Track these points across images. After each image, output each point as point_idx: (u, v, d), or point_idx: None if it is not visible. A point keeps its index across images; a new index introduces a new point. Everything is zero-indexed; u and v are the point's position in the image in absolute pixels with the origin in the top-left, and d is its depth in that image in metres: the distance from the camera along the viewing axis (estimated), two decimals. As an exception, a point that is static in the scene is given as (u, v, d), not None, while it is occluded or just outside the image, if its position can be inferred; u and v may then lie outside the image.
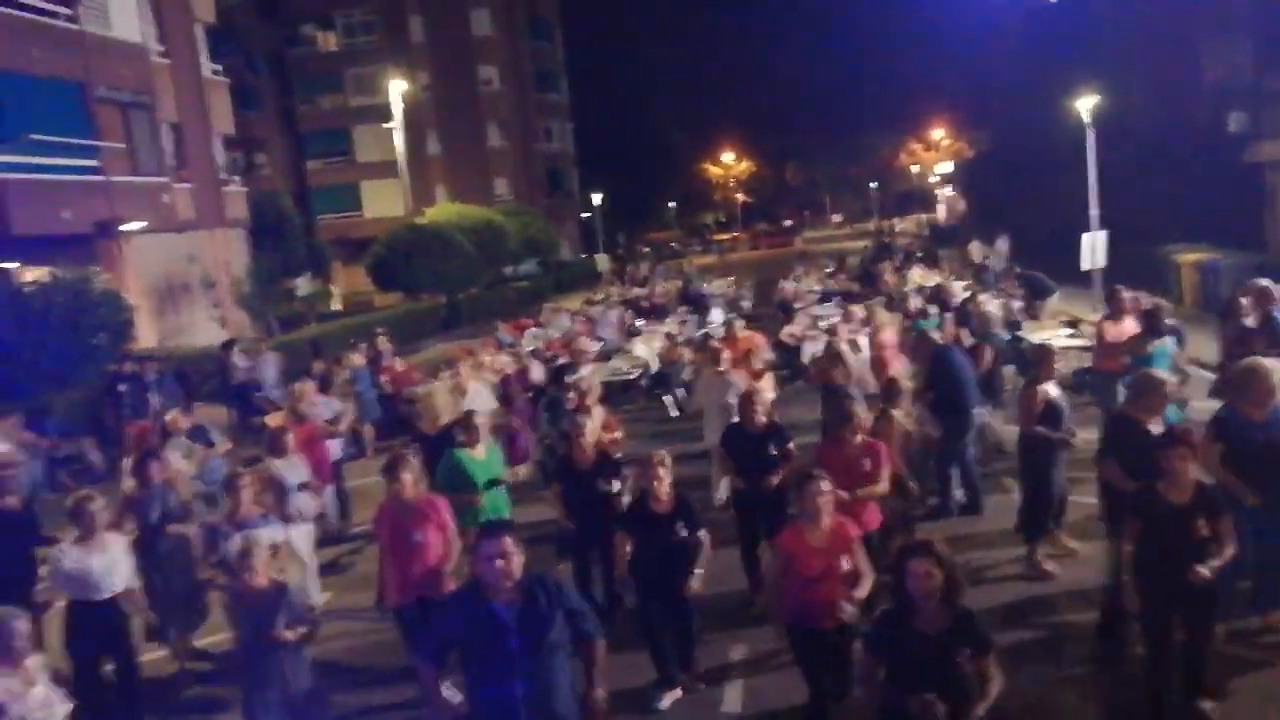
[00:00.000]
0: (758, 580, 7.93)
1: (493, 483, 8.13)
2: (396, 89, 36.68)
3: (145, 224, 23.64)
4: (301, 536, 8.61)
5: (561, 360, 14.94)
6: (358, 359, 16.34)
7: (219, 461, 10.32)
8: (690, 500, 6.71)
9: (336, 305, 37.72)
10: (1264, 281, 10.69)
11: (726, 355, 11.60)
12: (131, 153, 24.45)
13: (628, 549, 6.62)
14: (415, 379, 17.05)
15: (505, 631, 4.27)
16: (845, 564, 5.60)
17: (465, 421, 8.42)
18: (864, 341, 12.23)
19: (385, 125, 37.81)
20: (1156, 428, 6.62)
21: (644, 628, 6.67)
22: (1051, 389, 8.09)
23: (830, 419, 7.58)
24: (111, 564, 6.66)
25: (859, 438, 7.26)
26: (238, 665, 6.01)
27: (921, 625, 4.35)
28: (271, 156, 51.46)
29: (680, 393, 16.39)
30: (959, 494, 9.72)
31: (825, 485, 5.69)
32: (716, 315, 22.76)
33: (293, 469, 8.84)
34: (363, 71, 52.41)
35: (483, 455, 8.19)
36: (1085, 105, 21.34)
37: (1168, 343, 10.03)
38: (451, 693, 4.91)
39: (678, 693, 6.68)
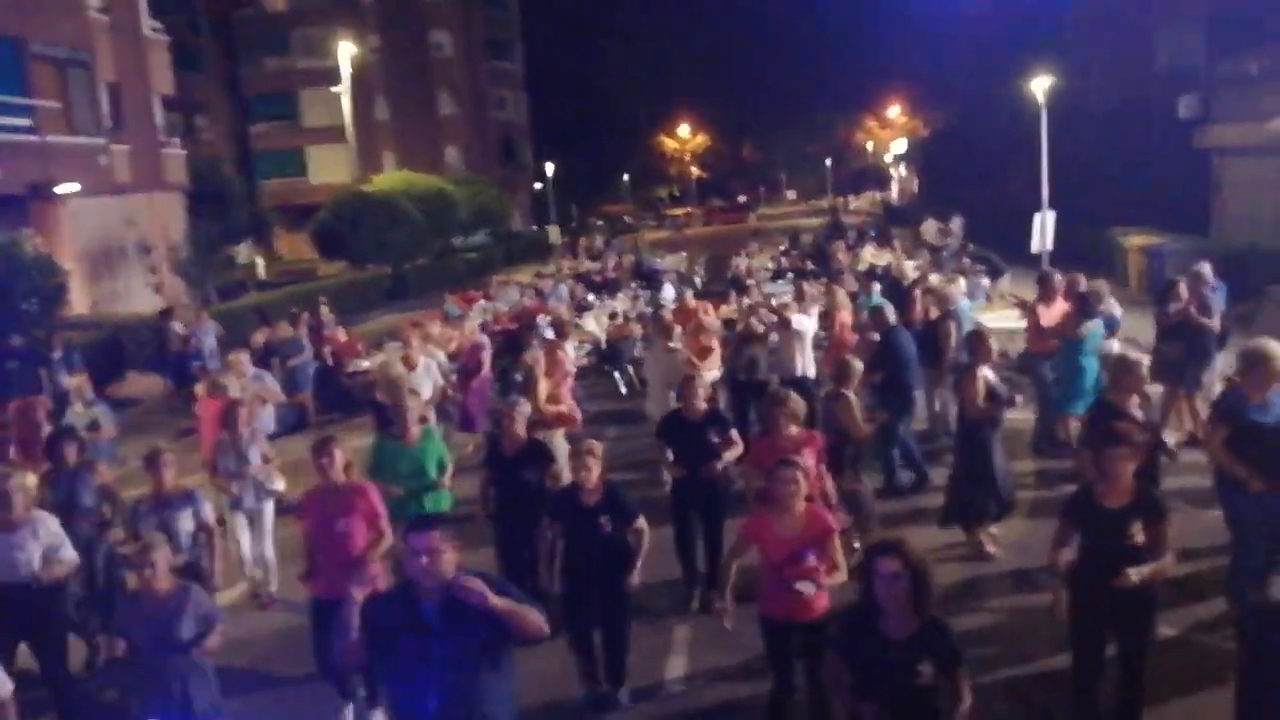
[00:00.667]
0: (691, 573, 7.75)
1: (428, 482, 7.55)
2: (345, 52, 35.79)
3: (80, 186, 22.84)
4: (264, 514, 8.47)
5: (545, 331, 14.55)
6: (284, 330, 15.83)
7: (107, 444, 9.98)
8: (622, 492, 6.33)
9: (261, 274, 36.53)
10: (1200, 266, 10.87)
11: (678, 330, 11.41)
12: (68, 112, 23.61)
13: (554, 540, 6.32)
14: (359, 350, 16.69)
15: (429, 636, 3.99)
16: (813, 559, 5.28)
17: (397, 408, 7.91)
18: (808, 321, 11.98)
19: (333, 89, 36.92)
20: (1137, 411, 6.64)
21: (568, 627, 6.27)
22: (989, 372, 8.11)
23: (765, 409, 7.29)
24: (28, 544, 6.23)
25: (793, 429, 6.92)
26: (129, 677, 5.45)
27: (886, 629, 4.10)
28: (214, 119, 50.04)
29: (630, 370, 16.20)
30: (904, 475, 9.74)
31: (795, 473, 5.35)
32: (669, 291, 22.57)
33: (248, 445, 8.48)
34: (310, 33, 51.09)
35: (413, 444, 7.60)
36: (1040, 86, 21.38)
37: (1098, 324, 10.10)
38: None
39: (624, 693, 6.40)
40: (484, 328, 16.83)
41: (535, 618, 4.03)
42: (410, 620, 4.02)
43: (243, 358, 11.44)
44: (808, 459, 6.36)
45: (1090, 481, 5.42)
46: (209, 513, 6.99)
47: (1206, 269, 10.92)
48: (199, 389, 10.81)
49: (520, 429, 7.39)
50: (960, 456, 8.35)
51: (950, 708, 4.09)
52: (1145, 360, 7.48)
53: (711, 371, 10.56)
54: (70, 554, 6.46)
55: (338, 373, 15.97)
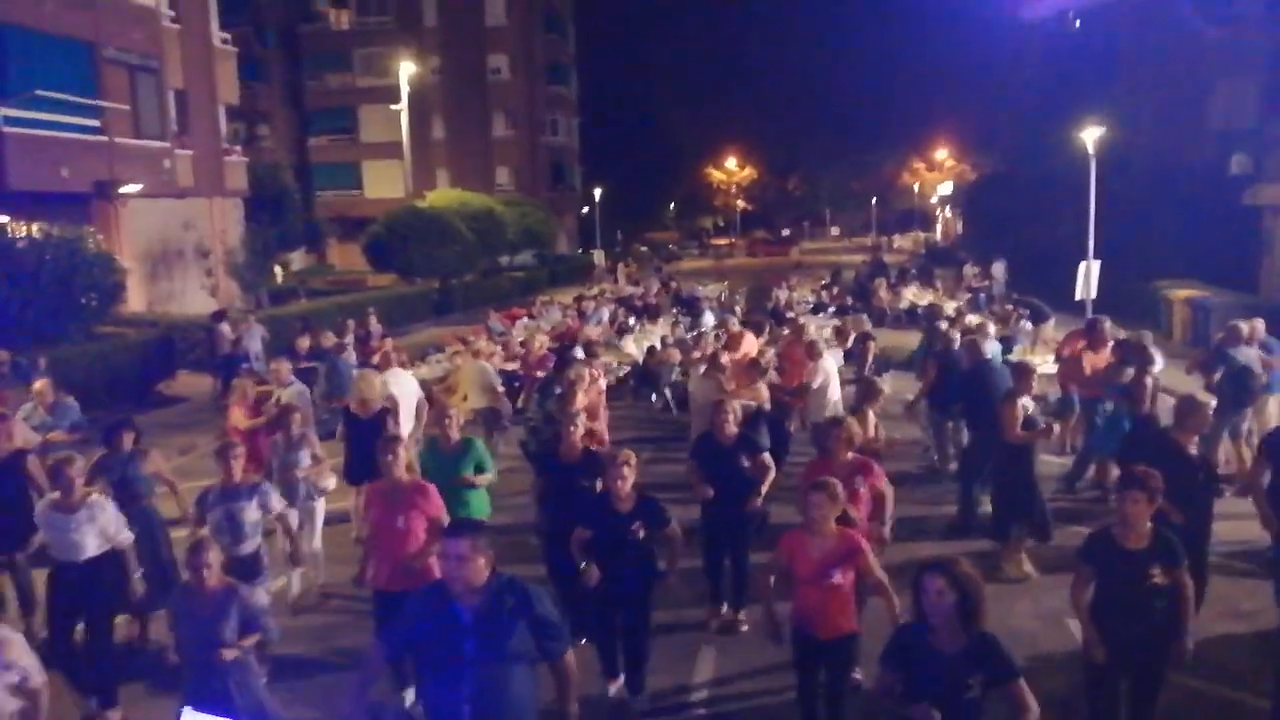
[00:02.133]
0: (717, 594, 7.91)
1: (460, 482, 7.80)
2: (405, 71, 36.60)
3: (143, 187, 23.56)
4: (315, 511, 8.69)
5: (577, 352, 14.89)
6: (329, 338, 16.11)
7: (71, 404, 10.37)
8: (655, 501, 6.50)
9: (278, 280, 36.80)
10: (1255, 321, 10.99)
11: (726, 358, 11.63)
12: (135, 115, 24.35)
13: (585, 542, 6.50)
14: (403, 361, 17.00)
15: (462, 634, 4.14)
16: (838, 577, 5.43)
17: (438, 413, 8.21)
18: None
19: (392, 107, 37.73)
20: (1193, 449, 6.95)
21: (595, 628, 6.63)
22: (1028, 402, 8.65)
23: (823, 434, 7.43)
24: (88, 526, 6.56)
25: (849, 455, 6.98)
26: (180, 674, 5.55)
27: (936, 644, 4.23)
28: (275, 130, 51.30)
29: (667, 393, 16.40)
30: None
31: (822, 496, 5.49)
32: (709, 319, 22.78)
33: (299, 446, 8.69)
34: (372, 51, 52.28)
35: (453, 450, 7.85)
36: (1091, 136, 21.39)
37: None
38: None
39: (619, 681, 6.66)
40: (525, 344, 17.13)
41: (572, 673, 4.44)
42: (445, 619, 4.18)
43: (284, 366, 11.67)
44: (861, 484, 6.65)
45: (1108, 525, 5.48)
46: (277, 501, 7.27)
47: (1243, 327, 11.08)
48: (232, 396, 11.04)
49: (578, 439, 7.54)
50: (1000, 479, 8.76)
51: (1015, 713, 4.19)
52: (1211, 403, 7.69)
53: (753, 401, 10.64)
54: (127, 535, 6.77)
55: (381, 381, 16.26)
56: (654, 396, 16.69)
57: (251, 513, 7.01)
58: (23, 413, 9.91)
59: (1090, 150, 21.34)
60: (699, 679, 7.04)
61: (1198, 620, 5.74)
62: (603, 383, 11.77)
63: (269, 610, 6.37)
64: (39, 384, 10.58)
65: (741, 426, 7.92)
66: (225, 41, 30.43)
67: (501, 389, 12.94)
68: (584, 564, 6.38)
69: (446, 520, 6.55)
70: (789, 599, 5.76)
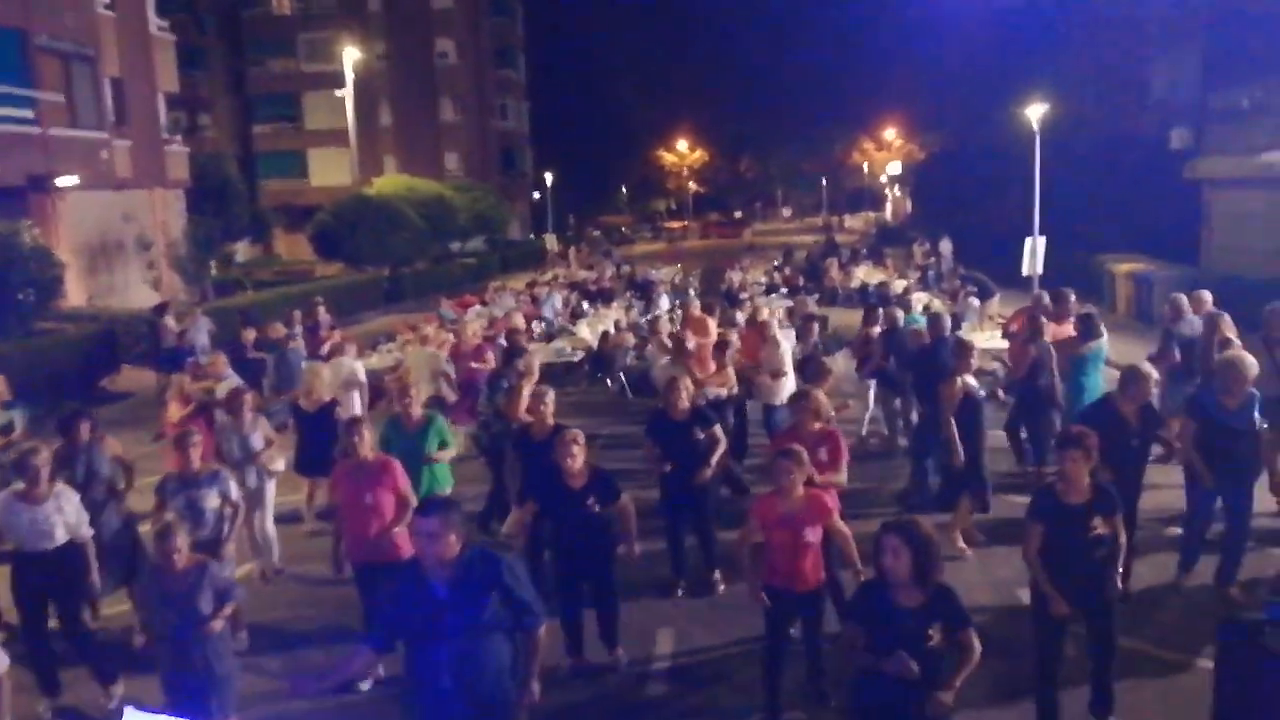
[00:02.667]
0: (679, 564, 8.24)
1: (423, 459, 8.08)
2: (350, 56, 36.02)
3: (81, 179, 22.97)
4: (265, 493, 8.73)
5: (500, 341, 14.81)
6: (278, 329, 15.90)
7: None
8: (606, 475, 6.71)
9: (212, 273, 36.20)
10: (1200, 292, 11.19)
11: (692, 342, 11.61)
12: (70, 105, 23.75)
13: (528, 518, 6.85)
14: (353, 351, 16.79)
15: (439, 608, 4.30)
16: (810, 536, 5.80)
17: (400, 392, 8.44)
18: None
19: (337, 93, 37.14)
20: (1132, 416, 7.25)
21: (559, 605, 6.75)
22: (970, 380, 8.67)
23: (794, 405, 7.65)
24: (56, 516, 6.61)
25: (817, 425, 7.25)
26: (158, 650, 5.74)
27: (896, 599, 4.47)
28: (217, 118, 50.37)
29: (621, 377, 16.38)
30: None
31: (790, 463, 5.80)
32: (663, 302, 22.78)
33: (251, 429, 8.72)
34: (316, 36, 51.41)
35: (413, 426, 8.17)
36: (1035, 113, 21.66)
37: (1100, 344, 10.36)
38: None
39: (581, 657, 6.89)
40: (492, 339, 16.99)
41: (540, 645, 4.61)
42: (421, 595, 4.34)
43: (220, 359, 11.66)
44: (821, 454, 6.95)
45: (1050, 482, 5.79)
46: (235, 491, 7.37)
47: (1207, 296, 11.27)
48: (169, 392, 10.88)
49: (549, 416, 7.81)
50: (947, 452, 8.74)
51: (962, 659, 4.51)
52: (1154, 374, 7.79)
53: (721, 389, 10.65)
54: (87, 531, 6.82)
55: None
56: (609, 381, 16.66)
57: (212, 500, 7.16)
58: None
59: (1034, 127, 21.61)
60: (660, 652, 7.24)
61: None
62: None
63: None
64: None
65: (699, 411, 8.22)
66: (163, 28, 29.75)
67: (453, 376, 12.81)
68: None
69: (412, 494, 6.84)
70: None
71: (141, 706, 4.33)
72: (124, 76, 26.92)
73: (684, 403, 8.01)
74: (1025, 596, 7.70)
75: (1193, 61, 26.66)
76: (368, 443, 6.90)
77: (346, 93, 36.01)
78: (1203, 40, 26.03)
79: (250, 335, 15.51)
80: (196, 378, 10.48)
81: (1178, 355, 10.52)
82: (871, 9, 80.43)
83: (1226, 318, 9.86)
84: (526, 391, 8.86)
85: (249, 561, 8.95)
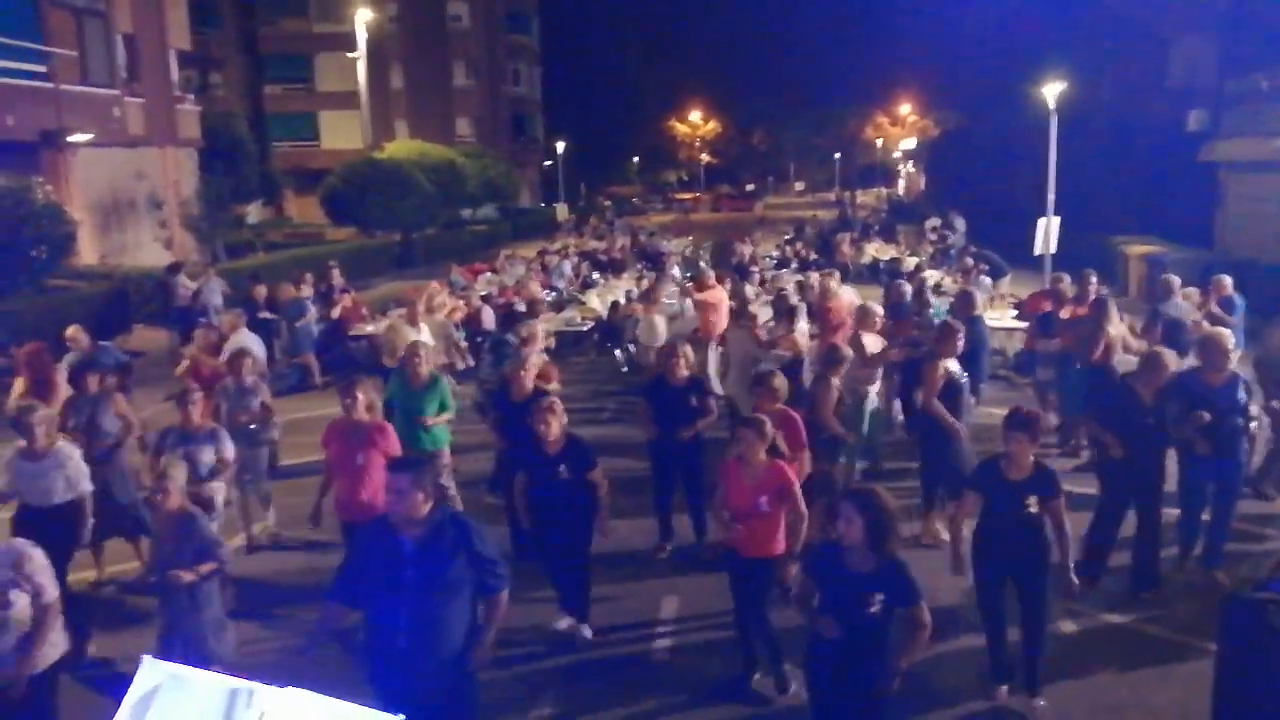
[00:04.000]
0: (666, 529, 8.41)
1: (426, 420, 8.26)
2: (362, 18, 35.74)
3: (93, 136, 22.94)
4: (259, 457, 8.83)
5: (519, 307, 14.85)
6: (289, 291, 15.94)
7: None
8: (582, 444, 6.78)
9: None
10: (1168, 276, 11.53)
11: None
12: (82, 61, 23.67)
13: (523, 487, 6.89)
14: (364, 315, 16.87)
15: (403, 563, 4.36)
16: (765, 504, 5.90)
17: (408, 352, 8.59)
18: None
19: (349, 55, 36.86)
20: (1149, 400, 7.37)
21: (541, 565, 7.02)
22: (952, 365, 8.34)
23: (754, 386, 7.66)
24: (56, 472, 6.72)
25: (776, 407, 7.30)
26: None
27: (848, 562, 4.59)
28: (228, 77, 50.03)
29: (631, 348, 16.40)
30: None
31: (751, 432, 5.94)
32: (674, 273, 22.78)
33: (250, 392, 8.82)
34: (329, -4, 51.00)
35: (420, 386, 8.32)
36: (1052, 92, 21.45)
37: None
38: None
39: (585, 628, 6.93)
40: (488, 299, 17.04)
41: (502, 609, 4.63)
42: (387, 549, 4.42)
43: (236, 317, 11.85)
44: (790, 437, 7.02)
45: (996, 456, 5.95)
46: (230, 450, 7.54)
47: (1227, 280, 11.50)
48: (188, 351, 10.99)
49: (529, 380, 7.99)
50: (921, 445, 8.67)
51: (912, 636, 4.62)
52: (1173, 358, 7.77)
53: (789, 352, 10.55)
54: (87, 486, 6.91)
55: (343, 336, 16.16)
56: (617, 352, 16.68)
57: (208, 455, 7.34)
58: None
59: (1051, 106, 21.42)
60: (664, 615, 7.34)
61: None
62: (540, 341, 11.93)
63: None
64: None
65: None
66: (176, -15, 29.56)
67: (464, 345, 12.85)
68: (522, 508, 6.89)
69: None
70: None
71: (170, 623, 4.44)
72: (136, 33, 26.81)
73: (682, 370, 8.15)
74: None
75: (1210, 44, 26.42)
76: (362, 405, 6.97)
77: (359, 55, 35.78)
78: (1221, 22, 25.78)
79: (261, 292, 15.54)
80: (208, 342, 10.53)
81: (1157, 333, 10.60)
82: (889, -18, 79.68)
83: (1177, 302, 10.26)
84: (534, 359, 8.91)
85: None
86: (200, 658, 5.47)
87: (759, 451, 5.98)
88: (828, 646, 4.65)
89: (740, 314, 11.36)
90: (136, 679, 3.11)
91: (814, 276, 15.89)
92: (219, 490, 7.49)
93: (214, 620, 5.71)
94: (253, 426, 8.66)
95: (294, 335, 15.34)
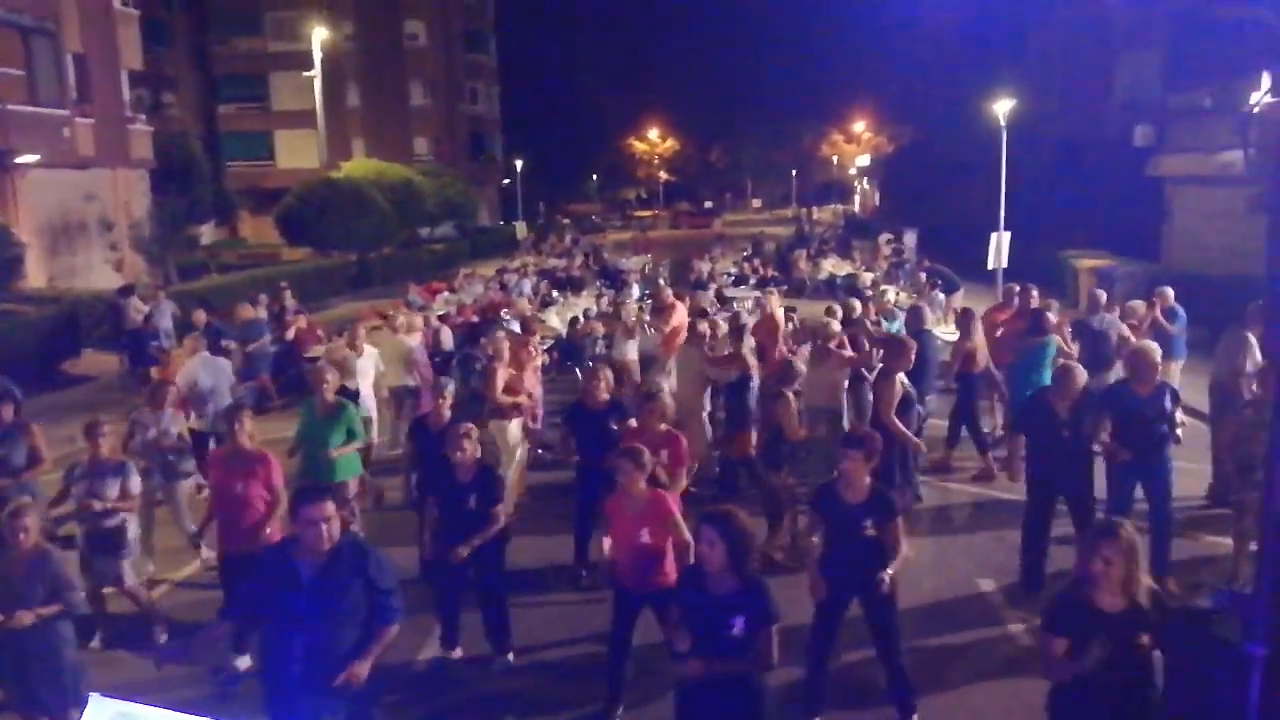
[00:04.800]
0: (583, 554, 8.26)
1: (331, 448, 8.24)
2: (318, 36, 35.59)
3: (41, 157, 22.59)
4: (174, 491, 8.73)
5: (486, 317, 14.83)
6: (246, 312, 15.75)
7: None
8: (492, 476, 6.70)
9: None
10: (1096, 290, 11.94)
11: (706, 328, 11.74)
12: (30, 81, 23.30)
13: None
14: (319, 336, 16.69)
15: (299, 591, 4.34)
16: (645, 536, 5.80)
17: (315, 377, 8.54)
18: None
19: (305, 74, 36.67)
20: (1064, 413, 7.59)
21: (434, 591, 6.96)
22: (904, 379, 8.56)
23: (640, 405, 7.77)
24: None
25: (663, 427, 7.34)
26: None
27: (708, 586, 4.53)
28: (181, 97, 49.42)
29: (590, 366, 16.36)
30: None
31: (629, 463, 5.83)
32: (634, 291, 22.82)
33: (170, 423, 8.69)
34: (283, 15, 50.64)
35: (324, 415, 8.28)
36: (1002, 108, 21.87)
37: (1051, 340, 10.46)
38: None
39: (457, 653, 6.92)
40: (446, 319, 16.94)
41: (390, 640, 4.60)
42: (284, 575, 4.39)
43: (194, 343, 11.53)
44: (663, 456, 6.89)
45: (833, 480, 5.89)
46: (135, 483, 7.39)
47: (1169, 292, 11.73)
48: (155, 371, 10.83)
49: (445, 411, 7.92)
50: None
51: (761, 658, 4.47)
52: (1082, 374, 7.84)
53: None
54: None
55: (297, 358, 15.97)
56: (578, 370, 16.64)
57: (113, 489, 7.22)
58: None
59: (1001, 122, 21.82)
60: (548, 639, 7.26)
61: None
62: (538, 360, 12.09)
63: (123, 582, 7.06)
64: None
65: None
66: (126, 3, 29.19)
67: (423, 364, 12.75)
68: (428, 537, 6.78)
69: (283, 490, 6.79)
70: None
71: (107, 694, 4.33)
72: (86, 52, 26.43)
73: (602, 394, 8.12)
74: (984, 585, 7.92)
75: (1156, 61, 27.05)
76: (245, 431, 6.84)
77: (315, 74, 35.58)
78: (1165, 40, 26.42)
79: (201, 317, 15.21)
80: (162, 365, 10.42)
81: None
82: (843, 1, 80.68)
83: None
84: (502, 373, 8.88)
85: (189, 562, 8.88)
86: (49, 706, 5.36)
87: (638, 482, 5.85)
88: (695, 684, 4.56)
89: (690, 331, 11.36)
90: (84, 716, 3.08)
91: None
92: (130, 522, 7.34)
93: (61, 669, 5.49)
94: (171, 457, 8.58)
95: (249, 357, 15.12)
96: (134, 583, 7.38)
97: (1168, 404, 7.52)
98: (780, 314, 12.65)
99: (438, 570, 6.76)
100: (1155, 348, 7.84)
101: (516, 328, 14.31)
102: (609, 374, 8.49)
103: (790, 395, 8.49)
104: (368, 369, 11.37)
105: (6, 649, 5.38)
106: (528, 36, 71.39)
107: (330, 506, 4.35)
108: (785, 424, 8.32)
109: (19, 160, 21.94)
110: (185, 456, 8.78)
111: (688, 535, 5.79)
